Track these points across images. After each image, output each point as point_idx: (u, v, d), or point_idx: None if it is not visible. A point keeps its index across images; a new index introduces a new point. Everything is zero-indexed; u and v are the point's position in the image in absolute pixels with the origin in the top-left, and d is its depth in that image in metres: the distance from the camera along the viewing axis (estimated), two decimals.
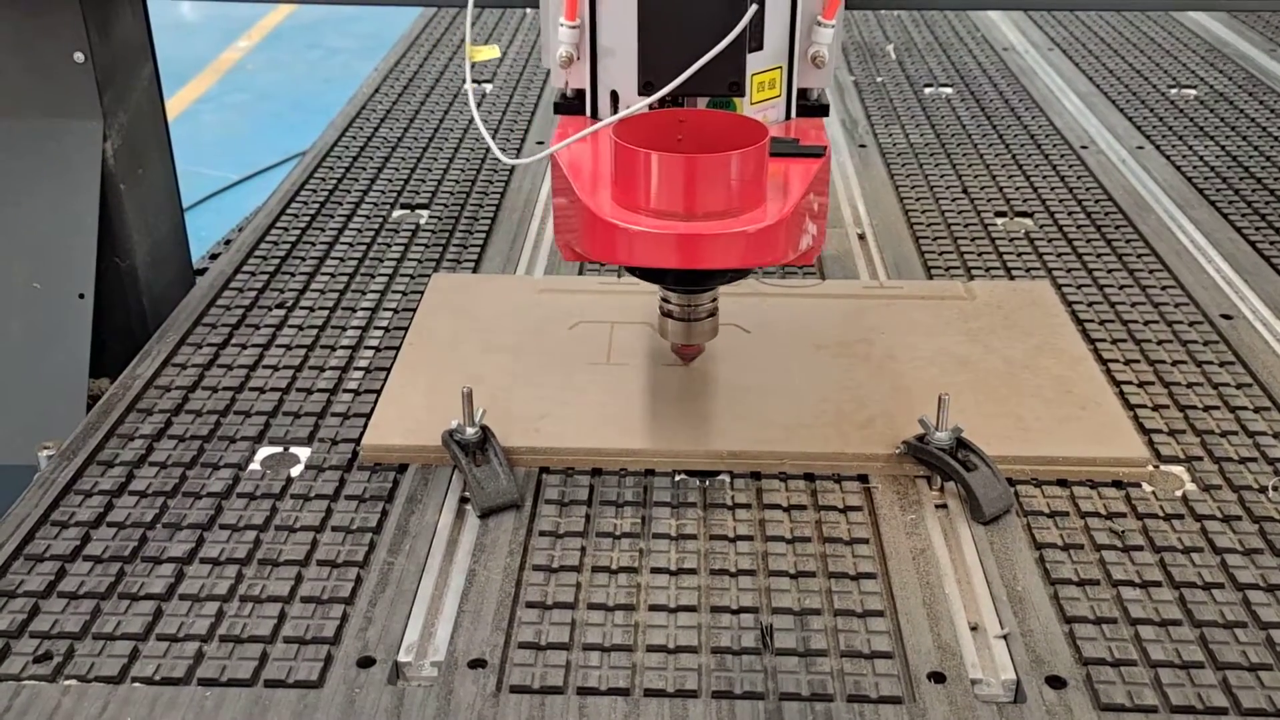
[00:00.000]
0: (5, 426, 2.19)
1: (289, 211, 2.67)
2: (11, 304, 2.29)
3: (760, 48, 1.56)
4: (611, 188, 1.51)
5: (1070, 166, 2.90)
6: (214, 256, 2.77)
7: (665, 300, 1.80)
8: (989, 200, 2.72)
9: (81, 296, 2.28)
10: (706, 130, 1.54)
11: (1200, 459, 1.81)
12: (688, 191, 1.44)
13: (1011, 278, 2.36)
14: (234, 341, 2.14)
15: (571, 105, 1.69)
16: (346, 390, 1.99)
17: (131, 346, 2.24)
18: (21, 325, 2.27)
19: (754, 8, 1.52)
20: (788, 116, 1.68)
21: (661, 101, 1.56)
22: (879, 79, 3.52)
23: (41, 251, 2.31)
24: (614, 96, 1.65)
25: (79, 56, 2.28)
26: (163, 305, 2.44)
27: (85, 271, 2.30)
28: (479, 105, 3.31)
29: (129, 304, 2.43)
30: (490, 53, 1.82)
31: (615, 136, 1.48)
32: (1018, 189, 2.77)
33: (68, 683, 1.40)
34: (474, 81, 3.49)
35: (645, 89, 1.57)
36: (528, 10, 4.13)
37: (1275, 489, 1.74)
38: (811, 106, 1.71)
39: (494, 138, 3.08)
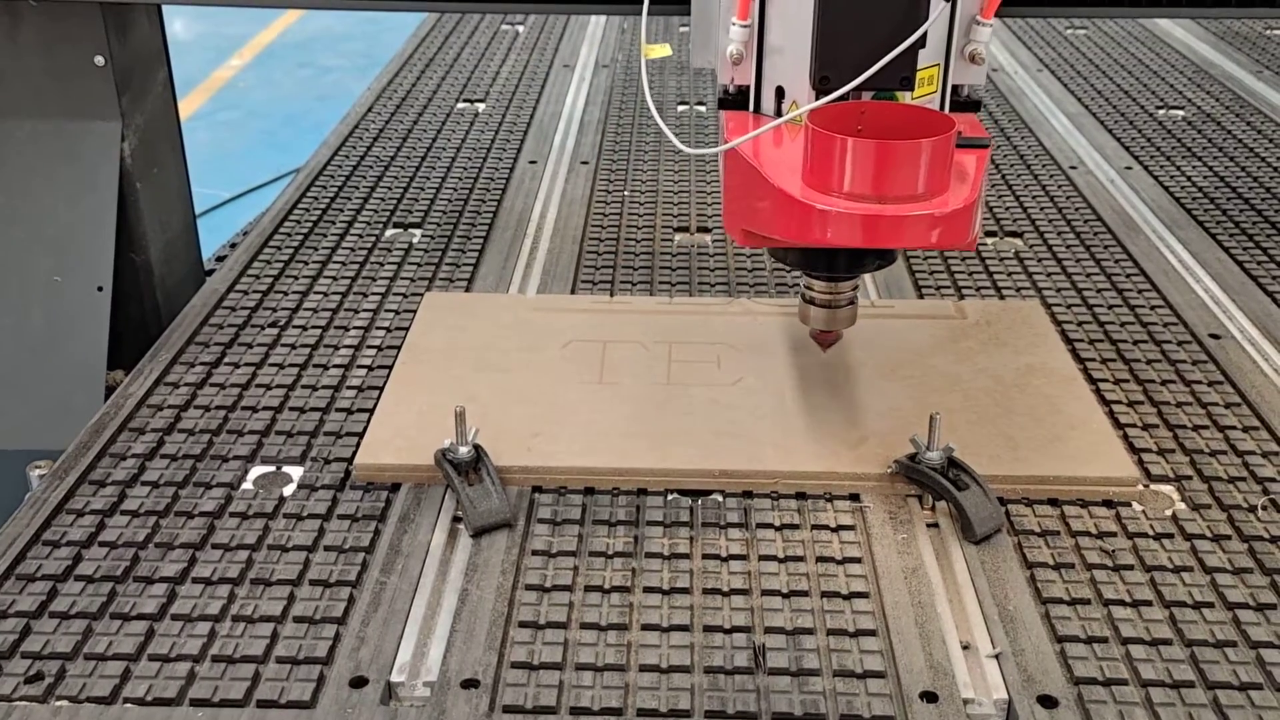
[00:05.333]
0: (26, 413, 2.26)
1: (282, 230, 2.67)
2: (33, 296, 2.38)
3: (923, 45, 1.63)
4: (803, 173, 1.57)
5: (1059, 187, 2.92)
6: (221, 259, 2.82)
7: (808, 288, 1.88)
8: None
9: (100, 289, 2.37)
10: (886, 121, 1.60)
11: (1190, 478, 1.82)
12: (881, 175, 1.52)
13: (1002, 297, 2.38)
14: (227, 360, 2.14)
15: (735, 101, 1.77)
16: (339, 409, 1.99)
17: (145, 339, 2.32)
18: (43, 316, 2.36)
19: (944, 6, 1.61)
20: (941, 110, 1.75)
21: (826, 94, 1.63)
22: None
23: (62, 246, 2.40)
24: (779, 92, 1.72)
25: (99, 60, 2.38)
26: (175, 299, 2.53)
27: (104, 265, 2.39)
28: (471, 125, 3.33)
29: (143, 298, 2.53)
30: (663, 50, 1.90)
31: (812, 124, 1.55)
32: (1007, 209, 2.79)
33: (59, 703, 1.40)
34: (467, 101, 3.51)
35: (822, 83, 1.63)
36: (520, 29, 4.15)
37: (1264, 508, 1.75)
38: (963, 102, 1.78)
39: (487, 155, 3.10)
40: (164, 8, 2.58)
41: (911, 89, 1.65)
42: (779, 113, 1.72)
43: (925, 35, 1.59)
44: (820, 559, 1.64)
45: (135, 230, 2.47)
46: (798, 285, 2.41)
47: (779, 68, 1.71)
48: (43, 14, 2.35)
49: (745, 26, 1.69)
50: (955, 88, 1.75)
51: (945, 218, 1.52)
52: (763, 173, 1.59)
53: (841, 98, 1.58)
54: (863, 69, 1.55)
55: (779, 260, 1.88)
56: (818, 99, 1.60)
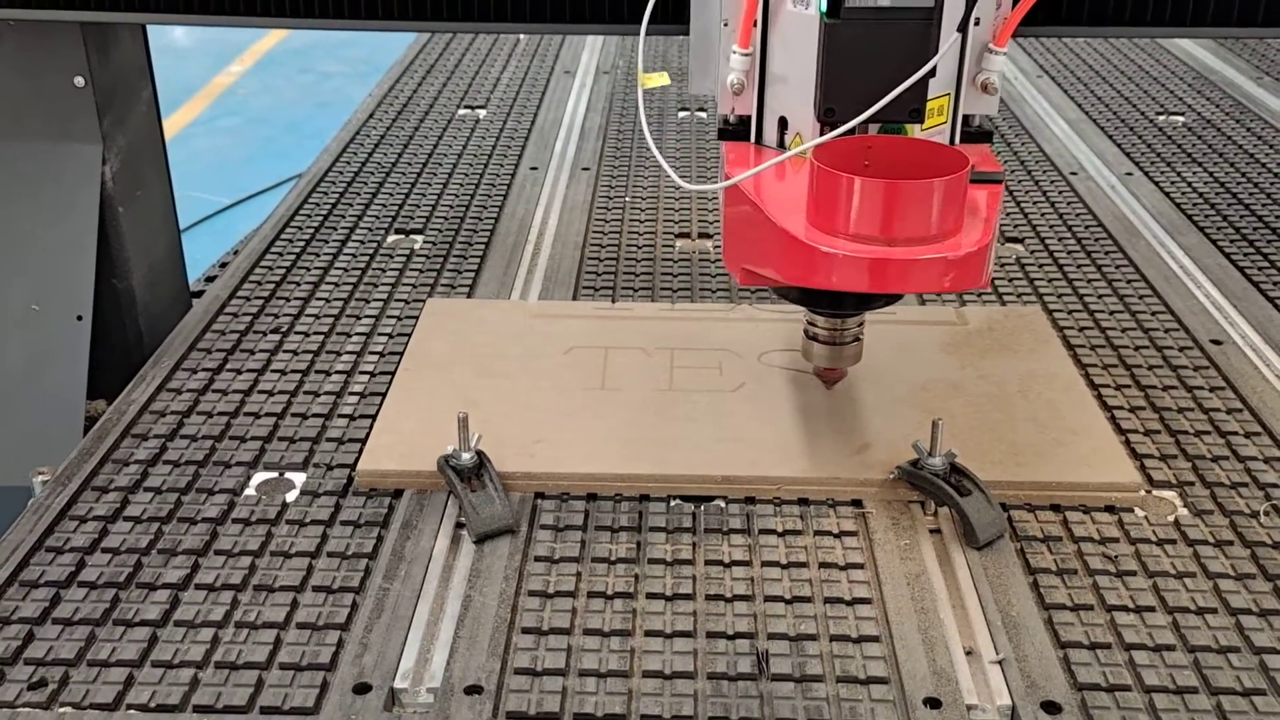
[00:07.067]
0: (3, 448, 2.20)
1: (284, 236, 2.68)
2: (10, 326, 2.30)
3: (933, 75, 1.56)
4: (807, 212, 1.50)
5: (1060, 192, 2.92)
6: (210, 279, 2.77)
7: (811, 324, 1.82)
8: None
9: (79, 319, 2.29)
10: (894, 156, 1.52)
11: (1192, 484, 1.82)
12: (890, 216, 1.43)
13: (1003, 303, 2.38)
14: (229, 366, 2.14)
15: (736, 131, 1.70)
16: (342, 415, 1.99)
17: (128, 368, 2.25)
18: (20, 347, 2.29)
19: (956, 36, 1.52)
20: (952, 142, 1.68)
21: (831, 126, 1.55)
22: None
23: (41, 273, 2.32)
24: (782, 122, 1.65)
25: (79, 81, 2.29)
26: (159, 326, 2.45)
27: (83, 294, 2.31)
28: (472, 131, 3.33)
29: (126, 325, 2.43)
30: (660, 79, 1.81)
31: (817, 162, 1.47)
32: (1008, 214, 2.79)
33: (62, 710, 1.40)
34: (468, 107, 3.51)
35: (827, 115, 1.55)
36: (522, 37, 4.16)
37: (1266, 513, 1.76)
38: (974, 133, 1.71)
39: (488, 162, 3.10)
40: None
41: (921, 121, 1.57)
42: (781, 144, 1.65)
43: (935, 67, 1.51)
44: (823, 565, 1.64)
45: (117, 256, 2.38)
46: None
47: (781, 97, 1.63)
48: (21, 33, 2.27)
49: (747, 55, 1.62)
50: (966, 118, 1.68)
51: (958, 261, 1.44)
52: (765, 211, 1.52)
53: (848, 131, 1.49)
54: (870, 101, 1.46)
55: (783, 297, 1.78)
56: (822, 132, 1.52)
